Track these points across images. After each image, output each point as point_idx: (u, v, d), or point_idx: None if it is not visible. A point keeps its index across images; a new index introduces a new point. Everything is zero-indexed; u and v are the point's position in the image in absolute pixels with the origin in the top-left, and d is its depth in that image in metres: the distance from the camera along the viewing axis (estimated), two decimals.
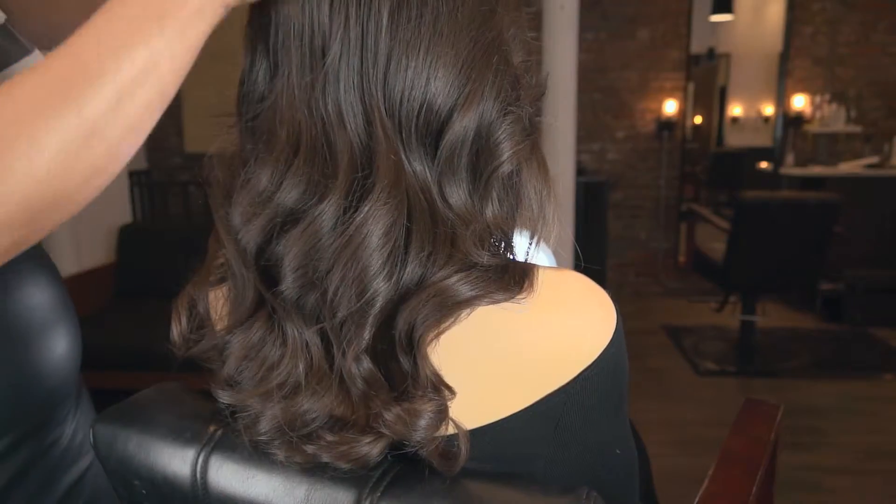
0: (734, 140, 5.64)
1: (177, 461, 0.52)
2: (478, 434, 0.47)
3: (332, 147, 0.44)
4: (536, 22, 2.78)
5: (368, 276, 0.43)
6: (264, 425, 0.48)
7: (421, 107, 0.44)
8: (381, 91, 0.44)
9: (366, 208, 0.43)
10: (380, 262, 0.43)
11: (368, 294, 0.44)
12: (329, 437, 0.46)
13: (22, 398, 0.66)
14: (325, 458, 0.46)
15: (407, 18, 0.43)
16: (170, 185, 4.03)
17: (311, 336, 0.46)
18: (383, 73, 0.43)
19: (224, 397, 0.50)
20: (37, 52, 0.65)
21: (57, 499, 0.70)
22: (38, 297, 0.67)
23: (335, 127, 0.44)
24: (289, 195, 0.45)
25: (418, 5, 0.43)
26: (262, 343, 0.49)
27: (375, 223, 0.43)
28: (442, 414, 0.45)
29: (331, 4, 0.44)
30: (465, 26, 0.44)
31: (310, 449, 0.47)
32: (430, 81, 0.44)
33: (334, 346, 0.46)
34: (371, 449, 0.46)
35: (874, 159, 4.35)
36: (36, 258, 0.69)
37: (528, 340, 0.46)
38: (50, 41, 0.72)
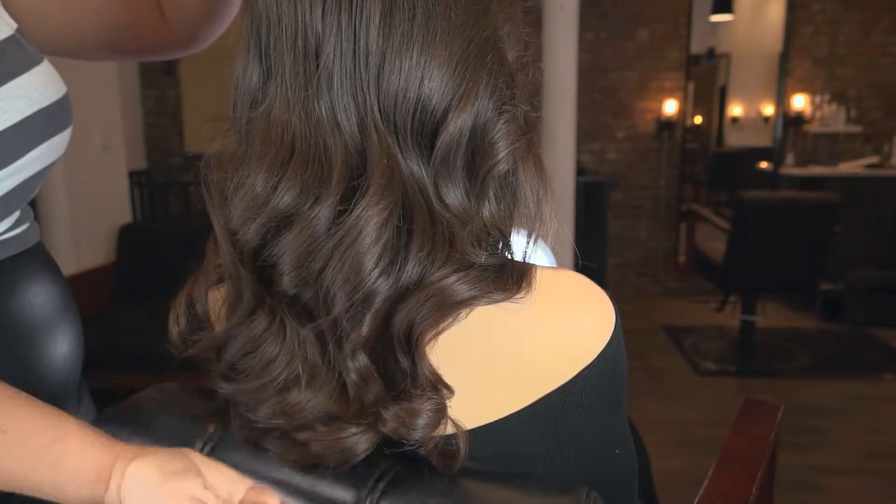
0: (734, 140, 5.64)
1: None
2: (477, 434, 0.48)
3: (327, 150, 0.44)
4: (536, 22, 2.78)
5: (362, 274, 0.43)
6: (261, 416, 0.48)
7: (415, 108, 0.44)
8: (375, 93, 0.43)
9: (358, 210, 0.43)
10: (372, 261, 0.43)
11: (364, 292, 0.44)
12: (320, 428, 0.46)
13: None
14: (314, 447, 0.47)
15: (400, 20, 0.43)
16: (170, 186, 4.03)
17: (307, 333, 0.46)
18: (377, 75, 0.43)
19: (223, 388, 0.51)
20: (45, 62, 0.65)
21: None
22: (41, 297, 0.67)
23: (329, 130, 0.44)
24: (284, 199, 0.45)
25: (411, 6, 0.43)
26: (262, 340, 0.49)
27: (368, 223, 0.43)
28: (440, 413, 0.45)
29: (323, 7, 0.43)
30: (459, 25, 0.44)
31: (301, 437, 0.47)
32: (424, 82, 0.43)
33: (330, 343, 0.46)
34: (357, 441, 0.46)
35: (874, 159, 4.35)
36: (40, 257, 0.70)
37: (527, 340, 0.46)
38: (66, 49, 0.72)
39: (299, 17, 0.44)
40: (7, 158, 0.60)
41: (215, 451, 0.51)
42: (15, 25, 0.63)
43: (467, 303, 0.45)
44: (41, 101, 0.63)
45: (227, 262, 0.50)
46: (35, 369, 0.66)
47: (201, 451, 0.51)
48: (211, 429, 0.53)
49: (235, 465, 0.50)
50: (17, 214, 0.66)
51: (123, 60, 0.73)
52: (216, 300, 0.54)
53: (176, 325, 0.53)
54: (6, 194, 0.62)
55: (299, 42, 0.44)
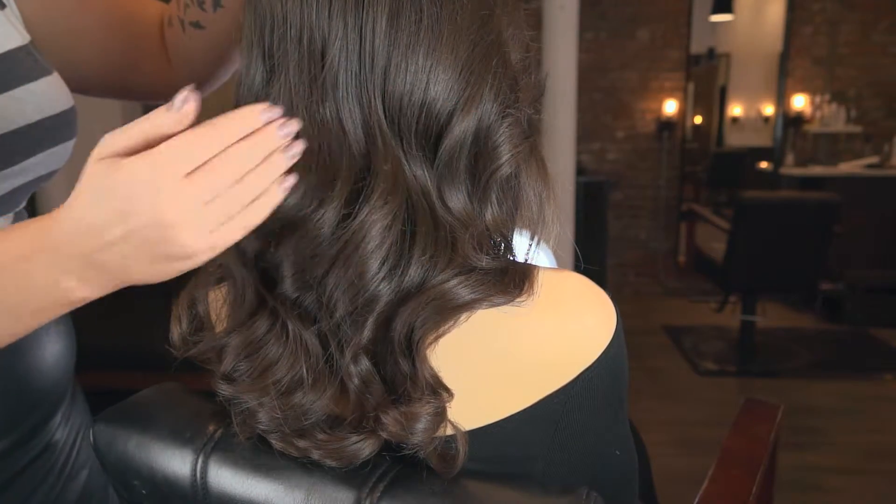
0: (734, 140, 5.63)
1: (177, 461, 0.52)
2: (478, 434, 0.48)
3: (332, 152, 0.44)
4: (536, 22, 2.78)
5: (366, 278, 0.43)
6: (262, 418, 0.48)
7: (420, 111, 0.44)
8: (380, 95, 0.43)
9: (363, 214, 0.43)
10: (377, 265, 0.43)
11: (367, 296, 0.44)
12: (320, 436, 0.46)
13: (14, 401, 0.65)
14: (315, 455, 0.47)
15: (406, 23, 0.43)
16: None
17: (309, 336, 0.46)
18: (382, 78, 0.43)
19: (224, 389, 0.50)
20: (55, 75, 0.65)
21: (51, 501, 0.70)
22: None
23: (334, 132, 0.44)
24: (288, 200, 0.45)
25: (417, 9, 0.43)
26: (264, 341, 0.49)
27: (372, 227, 0.43)
28: (440, 416, 0.45)
29: (329, 8, 0.43)
30: (465, 30, 0.44)
31: (301, 444, 0.47)
32: (429, 86, 0.43)
33: (332, 346, 0.46)
34: (360, 448, 0.46)
35: (874, 159, 4.35)
36: None
37: (528, 342, 0.46)
38: (72, 87, 0.73)
39: (305, 17, 0.44)
40: (7, 161, 0.60)
41: (216, 451, 0.51)
42: (28, 38, 0.64)
43: (468, 306, 0.45)
44: (47, 110, 0.63)
45: (229, 263, 0.50)
46: (24, 373, 0.66)
47: (202, 450, 0.52)
48: (211, 429, 0.53)
49: (236, 465, 0.50)
50: (11, 216, 0.66)
51: (130, 100, 0.75)
52: (217, 300, 0.54)
53: (178, 325, 0.53)
54: (2, 196, 0.62)
55: (304, 42, 0.44)
